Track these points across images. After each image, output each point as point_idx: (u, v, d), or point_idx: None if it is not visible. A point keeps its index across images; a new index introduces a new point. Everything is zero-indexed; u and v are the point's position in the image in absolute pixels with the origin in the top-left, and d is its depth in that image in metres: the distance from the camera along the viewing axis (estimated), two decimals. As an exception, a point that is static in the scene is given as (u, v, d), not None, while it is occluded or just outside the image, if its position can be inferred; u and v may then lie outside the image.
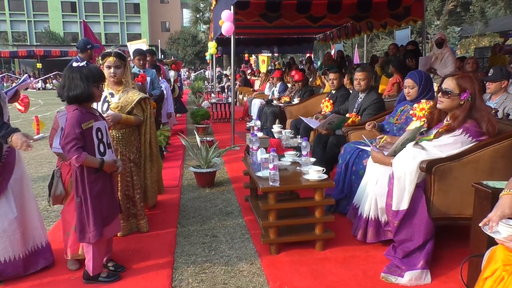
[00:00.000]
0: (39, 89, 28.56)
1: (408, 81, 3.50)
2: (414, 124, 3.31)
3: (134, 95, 3.20)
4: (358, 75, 4.44)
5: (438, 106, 2.79)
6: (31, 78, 32.20)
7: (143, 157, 3.39)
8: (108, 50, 3.19)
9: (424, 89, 3.45)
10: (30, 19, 47.41)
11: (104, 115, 2.83)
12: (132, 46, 9.32)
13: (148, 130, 3.35)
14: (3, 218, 2.54)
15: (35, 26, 47.59)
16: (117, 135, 3.20)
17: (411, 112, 3.40)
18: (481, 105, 2.67)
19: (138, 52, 5.62)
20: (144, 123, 3.31)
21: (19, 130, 2.41)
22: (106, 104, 3.14)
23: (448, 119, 2.77)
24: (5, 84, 26.45)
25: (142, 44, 9.40)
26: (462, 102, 2.67)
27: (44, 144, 7.31)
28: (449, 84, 2.73)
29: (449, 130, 2.70)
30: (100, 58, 3.19)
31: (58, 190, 2.66)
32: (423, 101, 3.38)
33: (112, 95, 3.19)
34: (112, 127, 3.11)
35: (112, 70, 3.12)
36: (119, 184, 3.19)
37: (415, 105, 3.40)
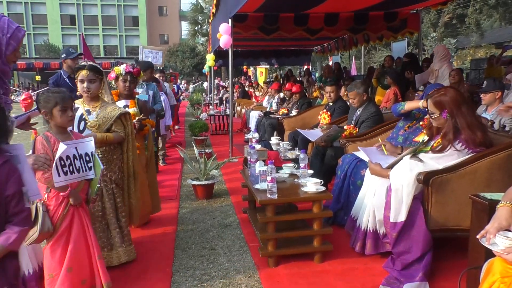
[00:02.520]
0: (37, 101, 28.53)
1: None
2: (422, 137, 3.31)
3: (114, 111, 2.93)
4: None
5: (433, 124, 2.85)
6: (30, 91, 32.28)
7: (126, 176, 3.08)
8: (82, 63, 2.96)
9: None
10: (30, 32, 47.71)
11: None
12: (146, 50, 8.91)
13: (130, 147, 3.05)
14: None
15: (35, 38, 47.88)
16: (96, 153, 2.78)
17: (421, 123, 3.41)
18: (466, 118, 2.68)
19: (150, 65, 5.75)
20: (126, 140, 3.02)
21: None
22: (82, 123, 2.89)
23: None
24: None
25: (159, 52, 9.08)
26: (445, 120, 2.72)
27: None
28: (429, 105, 2.82)
29: (442, 148, 2.73)
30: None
31: (46, 226, 2.29)
32: None
33: (89, 112, 2.92)
34: None
35: (85, 84, 2.86)
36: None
37: (427, 116, 3.39)
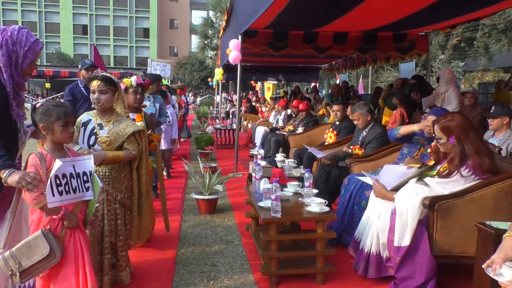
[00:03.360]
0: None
1: (432, 117, 3.47)
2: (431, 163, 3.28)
3: (127, 127, 2.74)
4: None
5: (440, 149, 2.84)
6: (39, 98, 32.66)
7: (136, 195, 2.88)
8: (95, 73, 2.84)
9: None
10: (42, 40, 48.49)
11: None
12: (154, 63, 8.97)
13: (144, 165, 2.89)
14: None
15: (47, 47, 48.65)
16: (103, 171, 2.74)
17: (429, 150, 3.38)
18: (474, 144, 2.66)
19: (157, 77, 5.64)
20: (138, 157, 2.85)
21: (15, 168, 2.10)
22: (93, 138, 2.72)
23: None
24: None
25: (167, 65, 9.12)
26: (453, 146, 2.71)
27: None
28: (436, 131, 2.81)
29: (448, 173, 2.71)
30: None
31: (58, 251, 2.07)
32: None
33: (101, 126, 2.74)
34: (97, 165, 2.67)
35: (96, 95, 2.71)
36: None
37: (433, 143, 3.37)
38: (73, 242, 2.15)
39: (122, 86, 3.68)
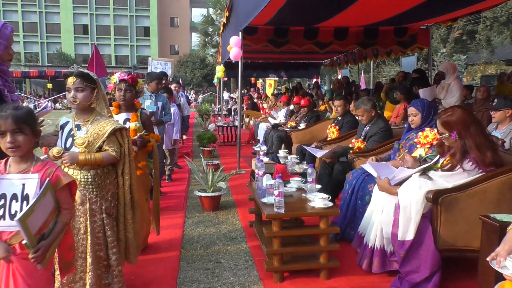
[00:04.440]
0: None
1: (411, 109, 3.52)
2: (418, 152, 3.31)
3: (107, 125, 2.43)
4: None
5: (445, 143, 2.85)
6: (41, 98, 32.75)
7: (122, 204, 2.56)
8: (70, 68, 2.48)
9: (427, 117, 3.45)
10: (43, 40, 48.57)
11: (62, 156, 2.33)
12: (155, 62, 8.99)
13: (127, 170, 2.54)
14: None
15: (48, 47, 48.70)
16: (85, 177, 2.42)
17: (415, 140, 3.40)
18: (475, 139, 2.65)
19: (157, 76, 5.37)
20: (122, 161, 2.51)
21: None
22: (70, 140, 2.44)
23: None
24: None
25: (168, 63, 9.09)
26: (455, 140, 2.70)
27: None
28: (438, 126, 2.82)
29: (451, 167, 2.71)
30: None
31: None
32: (427, 129, 3.38)
33: (78, 127, 2.45)
34: (78, 168, 2.42)
35: (72, 93, 2.40)
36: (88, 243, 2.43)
37: (420, 133, 3.40)
38: (5, 277, 1.76)
39: (111, 85, 3.48)
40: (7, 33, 2.27)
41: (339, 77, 14.59)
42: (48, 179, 1.78)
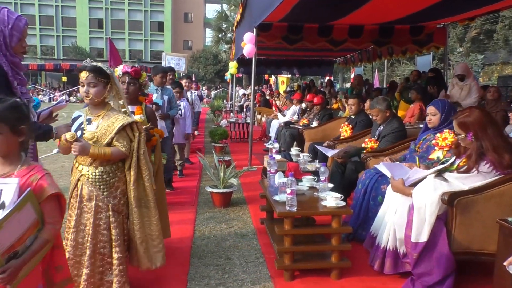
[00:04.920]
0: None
1: (430, 108, 3.46)
2: (436, 154, 3.26)
3: (117, 121, 2.40)
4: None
5: (461, 143, 2.81)
6: (56, 91, 33.18)
7: (131, 202, 2.50)
8: (84, 62, 2.45)
9: (446, 118, 3.40)
10: (59, 34, 49.10)
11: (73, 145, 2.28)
12: (169, 57, 9.03)
13: (134, 166, 2.47)
14: None
15: (63, 40, 49.22)
16: (92, 174, 2.40)
17: (433, 141, 3.35)
18: (492, 140, 2.60)
19: (162, 69, 5.32)
20: (130, 157, 2.47)
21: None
22: (79, 133, 2.42)
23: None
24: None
25: (182, 58, 9.13)
26: (471, 141, 2.66)
27: (65, 157, 7.44)
28: (455, 126, 2.78)
29: (467, 169, 2.66)
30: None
31: None
32: (446, 130, 3.33)
33: (89, 121, 2.44)
34: (86, 164, 2.41)
35: (84, 88, 2.39)
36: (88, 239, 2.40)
37: (438, 134, 3.35)
38: None
39: None
40: (21, 25, 2.28)
41: (352, 75, 14.47)
42: (29, 188, 1.53)
